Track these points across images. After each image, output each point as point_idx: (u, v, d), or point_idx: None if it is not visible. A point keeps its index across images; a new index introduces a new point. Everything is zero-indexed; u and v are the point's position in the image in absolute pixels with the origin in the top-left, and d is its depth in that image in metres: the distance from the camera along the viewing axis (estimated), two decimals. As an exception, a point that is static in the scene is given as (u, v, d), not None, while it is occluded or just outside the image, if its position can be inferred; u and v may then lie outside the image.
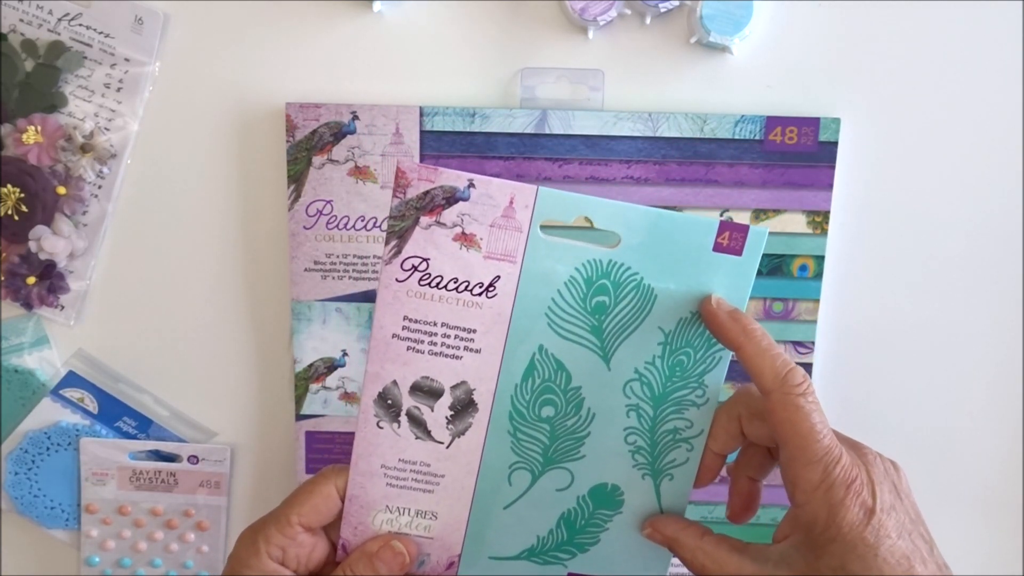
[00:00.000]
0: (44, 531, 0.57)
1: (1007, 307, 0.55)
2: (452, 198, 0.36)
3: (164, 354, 0.56)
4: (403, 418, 0.39)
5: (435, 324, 0.38)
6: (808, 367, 0.54)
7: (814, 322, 0.54)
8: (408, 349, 0.38)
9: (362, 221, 0.53)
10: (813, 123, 0.52)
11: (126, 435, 0.56)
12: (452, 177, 0.36)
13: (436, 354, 0.38)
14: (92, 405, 0.56)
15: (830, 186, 0.52)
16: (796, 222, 0.53)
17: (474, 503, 0.40)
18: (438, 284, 0.37)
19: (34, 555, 0.58)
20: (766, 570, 0.36)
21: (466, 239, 0.37)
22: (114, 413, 0.56)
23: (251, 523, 0.42)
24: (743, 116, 0.52)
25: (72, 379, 0.55)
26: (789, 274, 0.53)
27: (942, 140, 0.53)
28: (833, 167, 0.52)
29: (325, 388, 0.55)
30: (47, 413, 0.55)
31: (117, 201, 0.54)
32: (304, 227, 0.53)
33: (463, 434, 0.40)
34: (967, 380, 0.56)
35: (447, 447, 0.40)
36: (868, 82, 0.53)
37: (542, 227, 0.37)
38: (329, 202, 0.53)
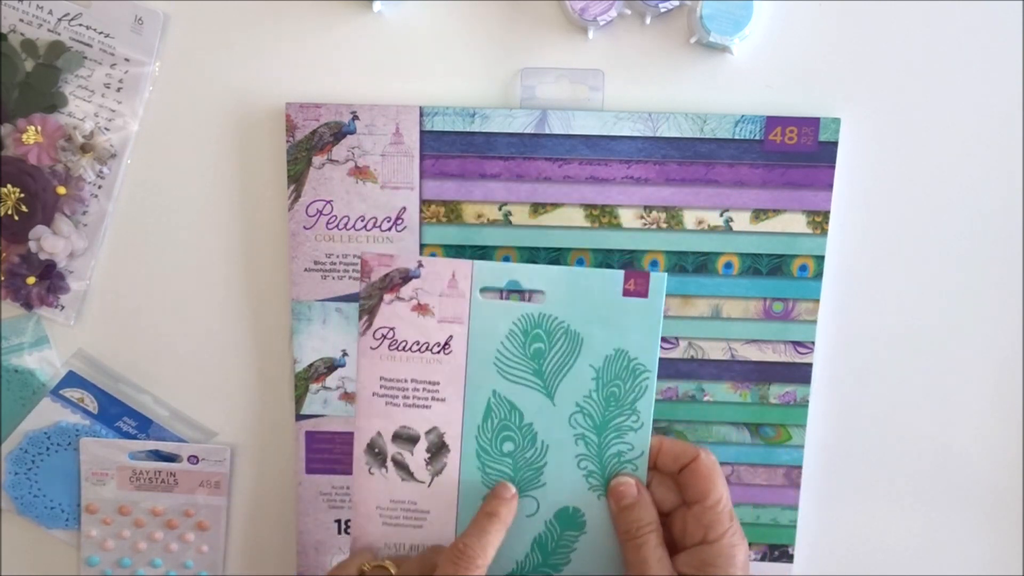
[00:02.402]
0: (44, 531, 0.57)
1: (1007, 306, 0.55)
2: (407, 277, 0.44)
3: (164, 354, 0.56)
4: (389, 463, 0.45)
5: (405, 380, 0.45)
6: (808, 367, 0.54)
7: (814, 322, 0.54)
8: (386, 404, 0.45)
9: (362, 221, 0.53)
10: (813, 123, 0.52)
11: (126, 435, 0.56)
12: (405, 260, 0.44)
13: (409, 405, 0.45)
14: (92, 405, 0.56)
15: (830, 186, 0.52)
16: (796, 222, 0.53)
17: (457, 534, 0.45)
18: (404, 347, 0.44)
19: (34, 555, 0.58)
20: None
21: (421, 308, 0.44)
22: (114, 413, 0.56)
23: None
24: (743, 116, 0.52)
25: (72, 379, 0.55)
26: (789, 274, 0.53)
27: (942, 140, 0.53)
28: (833, 167, 0.52)
29: (325, 388, 0.55)
30: (47, 413, 0.55)
31: (117, 201, 0.54)
32: (304, 227, 0.53)
33: (440, 472, 0.45)
34: (967, 380, 0.56)
35: (428, 485, 0.45)
36: (868, 82, 0.53)
37: (482, 291, 0.44)
38: (329, 202, 0.53)
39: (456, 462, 0.45)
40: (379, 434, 0.45)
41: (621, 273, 0.44)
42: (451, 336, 0.44)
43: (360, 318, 0.44)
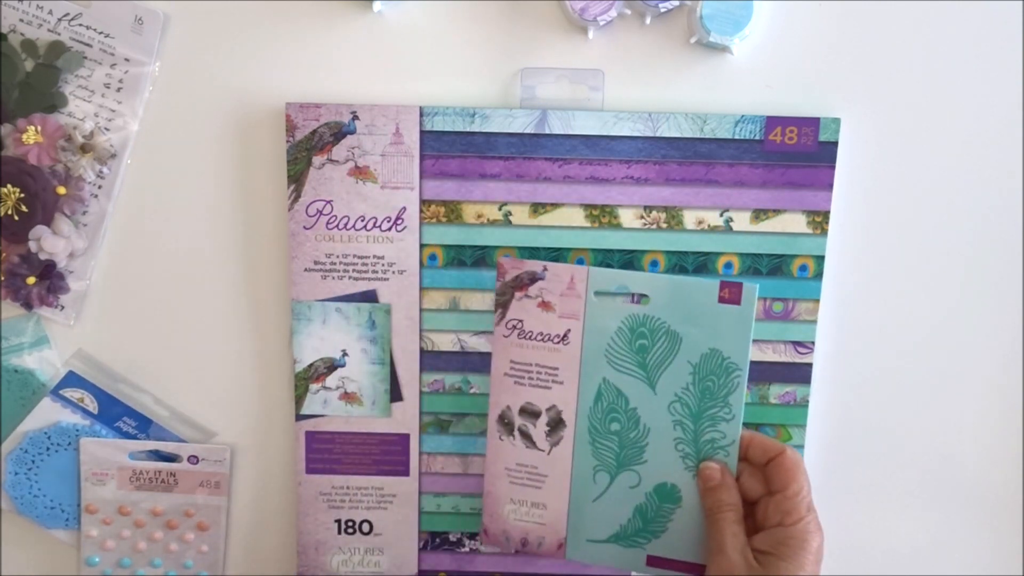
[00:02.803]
0: (44, 531, 0.57)
1: (1007, 306, 0.55)
2: (533, 278, 0.51)
3: (164, 354, 0.56)
4: (516, 432, 0.53)
5: (531, 365, 0.52)
6: (808, 367, 0.54)
7: (814, 322, 0.54)
8: (515, 383, 0.52)
9: (362, 221, 0.53)
10: (813, 123, 0.52)
11: (126, 435, 0.56)
12: (532, 265, 0.51)
13: (533, 385, 0.52)
14: (92, 405, 0.56)
15: (830, 186, 0.52)
16: (796, 222, 0.53)
17: (571, 497, 0.53)
18: (530, 336, 0.51)
19: (34, 555, 0.58)
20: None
21: (545, 305, 0.51)
22: (114, 413, 0.56)
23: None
24: (743, 116, 0.52)
25: (72, 379, 0.55)
26: (789, 274, 0.53)
27: (942, 140, 0.53)
28: (833, 167, 0.52)
29: (325, 388, 0.55)
30: (47, 413, 0.55)
31: (117, 201, 0.54)
32: (304, 227, 0.53)
33: (557, 444, 0.52)
34: (967, 380, 0.56)
35: (548, 454, 0.53)
36: (868, 82, 0.53)
37: (596, 294, 0.50)
38: (329, 202, 0.53)
39: (571, 436, 0.52)
40: (508, 408, 0.53)
41: (717, 282, 0.49)
42: (569, 330, 0.51)
43: (495, 310, 0.52)
